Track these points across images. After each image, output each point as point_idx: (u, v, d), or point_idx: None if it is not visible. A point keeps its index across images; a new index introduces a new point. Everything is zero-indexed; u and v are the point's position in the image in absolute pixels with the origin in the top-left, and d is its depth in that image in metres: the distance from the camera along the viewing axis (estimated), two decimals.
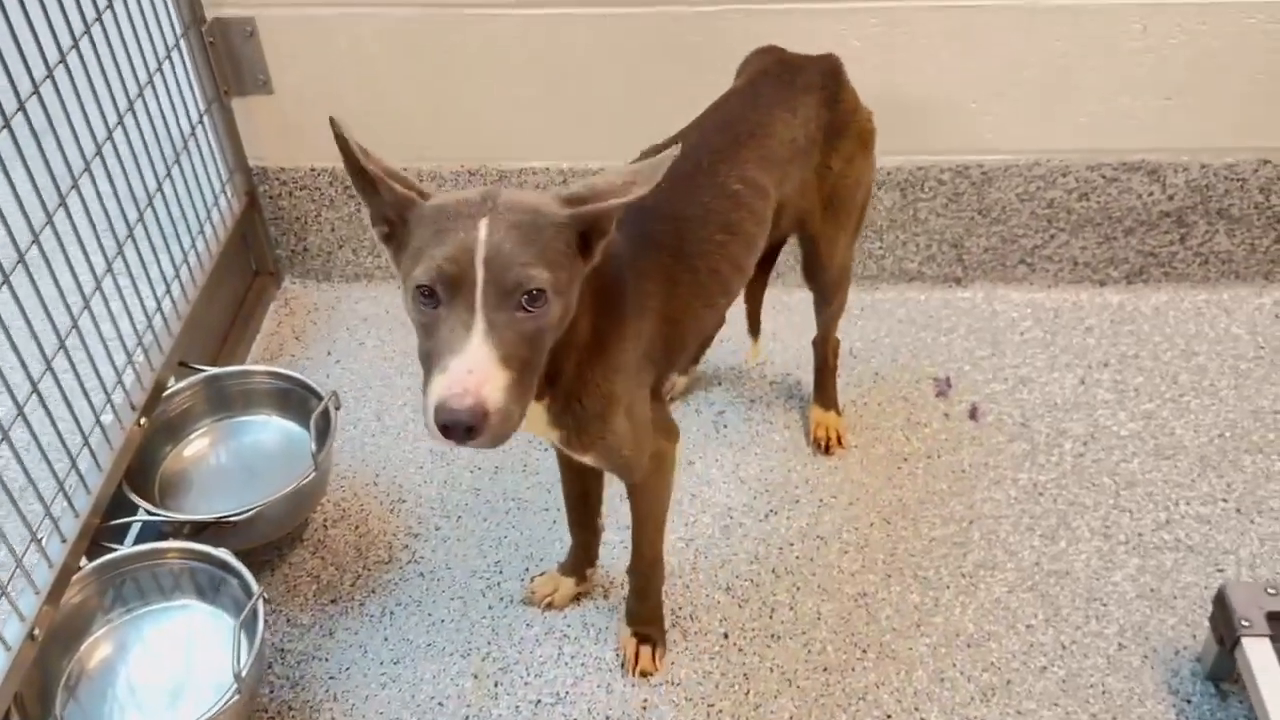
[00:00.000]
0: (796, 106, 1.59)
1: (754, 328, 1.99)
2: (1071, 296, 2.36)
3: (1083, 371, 2.19)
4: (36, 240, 1.51)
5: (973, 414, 2.10)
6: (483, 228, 1.09)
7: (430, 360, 1.11)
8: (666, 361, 1.49)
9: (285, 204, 2.34)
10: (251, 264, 2.37)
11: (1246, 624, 1.56)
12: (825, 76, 1.65)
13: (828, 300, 1.88)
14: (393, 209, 1.18)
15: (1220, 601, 1.61)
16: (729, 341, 2.25)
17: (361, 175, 1.17)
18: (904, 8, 2.02)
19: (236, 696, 1.45)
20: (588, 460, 1.43)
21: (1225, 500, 1.94)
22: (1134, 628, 1.75)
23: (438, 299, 1.10)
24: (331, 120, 1.14)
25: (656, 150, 1.46)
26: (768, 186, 1.53)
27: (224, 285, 2.21)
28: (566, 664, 1.74)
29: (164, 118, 1.95)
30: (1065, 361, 2.21)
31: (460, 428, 1.05)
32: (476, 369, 1.06)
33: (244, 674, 1.45)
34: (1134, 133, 2.15)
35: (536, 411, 1.32)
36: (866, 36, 2.05)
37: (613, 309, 1.32)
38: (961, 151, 2.19)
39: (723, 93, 1.64)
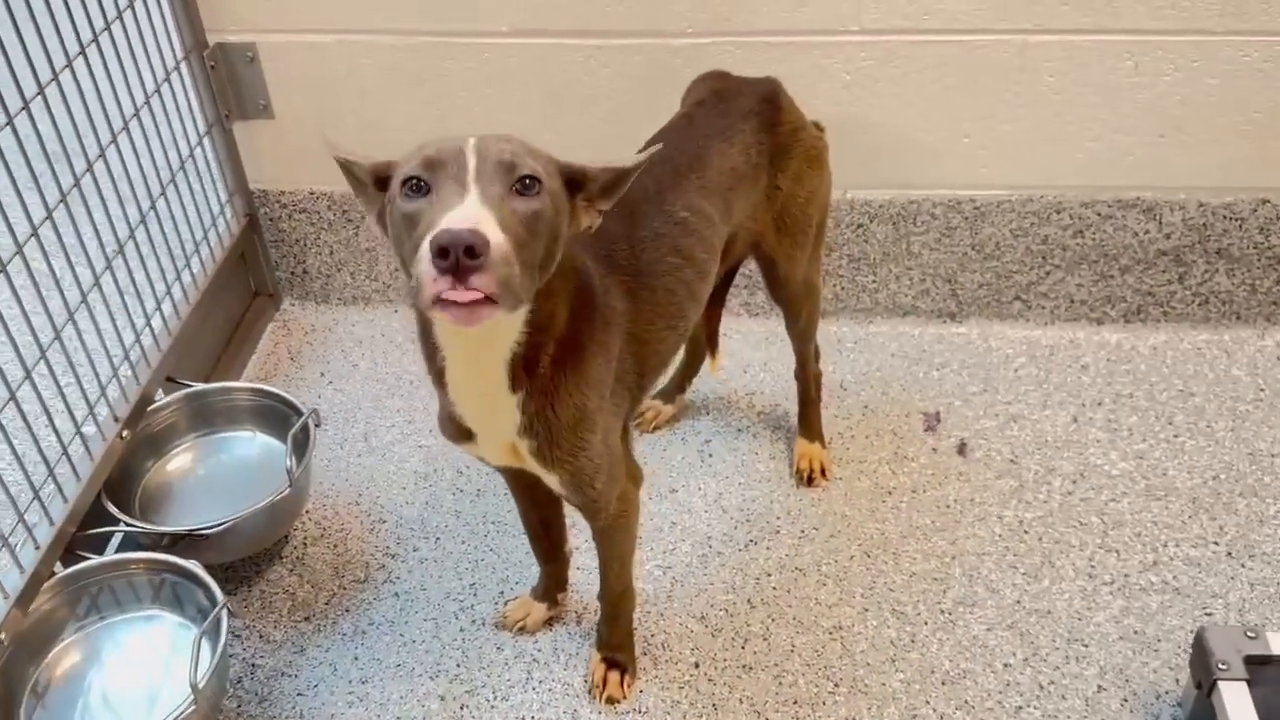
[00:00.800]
0: (733, 135, 1.60)
1: (712, 348, 1.98)
2: (1068, 334, 2.33)
3: (1076, 410, 2.16)
4: (20, 251, 1.54)
5: (961, 449, 2.08)
6: (472, 138, 1.10)
7: (419, 240, 1.04)
8: (639, 387, 1.49)
9: (285, 226, 2.38)
10: (251, 285, 2.41)
11: (1224, 667, 1.52)
12: (761, 101, 1.66)
13: (794, 315, 1.88)
14: (371, 179, 1.19)
15: (1199, 644, 1.57)
16: (719, 371, 2.25)
17: (347, 168, 1.21)
18: (897, 41, 2.02)
19: (193, 707, 1.45)
20: (554, 482, 1.41)
21: (1216, 543, 1.90)
22: (1115, 669, 1.71)
23: (425, 186, 1.08)
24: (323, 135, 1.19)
25: None
26: (713, 215, 1.54)
27: (220, 304, 2.24)
28: (534, 689, 1.73)
29: (162, 138, 1.99)
30: (1059, 399, 2.18)
31: (460, 246, 0.97)
32: (475, 213, 1.02)
33: (201, 685, 1.45)
34: (1129, 169, 2.14)
35: (510, 409, 1.30)
36: (859, 70, 2.06)
37: (586, 312, 1.32)
38: (955, 186, 2.19)
39: (663, 124, 1.65)
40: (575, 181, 1.21)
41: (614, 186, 1.23)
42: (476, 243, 0.98)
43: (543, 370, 1.29)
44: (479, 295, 1.01)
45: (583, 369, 1.33)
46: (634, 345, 1.44)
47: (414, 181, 1.09)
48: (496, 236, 1.02)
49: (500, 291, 1.02)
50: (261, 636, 1.81)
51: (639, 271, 1.44)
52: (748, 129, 1.62)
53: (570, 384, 1.32)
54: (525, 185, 1.09)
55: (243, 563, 1.91)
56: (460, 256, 0.98)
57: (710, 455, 2.11)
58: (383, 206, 1.20)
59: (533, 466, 1.39)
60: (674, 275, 1.48)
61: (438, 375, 1.33)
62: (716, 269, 1.60)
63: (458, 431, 1.40)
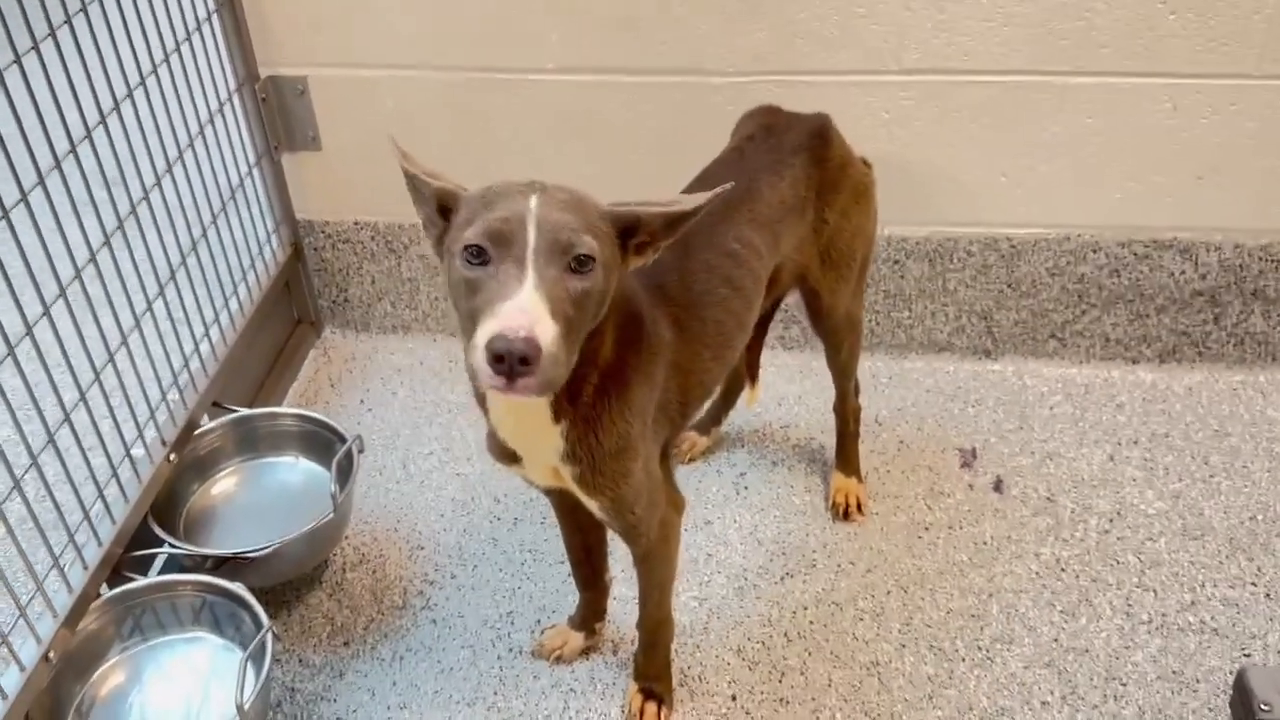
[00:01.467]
0: (783, 169, 1.63)
1: (752, 379, 2.00)
2: (1103, 374, 2.34)
3: (1111, 448, 2.16)
4: (78, 275, 1.58)
5: (997, 486, 2.08)
6: (534, 199, 1.14)
7: (477, 313, 1.12)
8: (681, 415, 1.51)
9: (329, 256, 2.42)
10: (294, 312, 2.44)
11: (1266, 708, 1.51)
12: (811, 136, 1.68)
13: (836, 348, 1.89)
14: (437, 202, 1.23)
15: (1240, 685, 1.56)
16: (755, 405, 2.26)
17: (412, 181, 1.25)
18: (936, 81, 2.05)
19: None
20: (596, 507, 1.43)
21: (1254, 584, 1.89)
22: (1153, 710, 1.70)
23: (487, 257, 1.12)
24: (390, 138, 1.26)
25: None
26: (761, 247, 1.56)
27: (265, 331, 2.27)
28: (572, 718, 1.73)
29: (213, 169, 2.03)
30: (1094, 438, 2.19)
31: (515, 356, 1.05)
32: (529, 308, 1.08)
33: (246, 706, 1.46)
34: (1166, 210, 2.15)
35: (553, 438, 1.33)
36: (898, 109, 2.08)
37: (632, 342, 1.35)
38: (991, 224, 2.21)
39: (716, 157, 1.68)
40: (628, 229, 1.24)
41: (671, 229, 1.25)
42: (530, 352, 1.05)
43: (586, 399, 1.31)
44: (527, 392, 1.09)
45: (627, 397, 1.35)
46: (679, 375, 1.47)
47: (475, 249, 1.13)
48: (548, 335, 1.08)
49: (546, 387, 1.10)
50: (301, 661, 1.82)
51: (690, 303, 1.47)
52: (797, 163, 1.65)
53: (614, 412, 1.34)
54: (580, 263, 1.14)
55: (283, 587, 1.93)
56: (514, 363, 1.06)
57: (746, 488, 2.12)
58: (441, 234, 1.24)
59: (575, 490, 1.42)
60: (723, 306, 1.50)
61: (481, 400, 1.35)
62: (762, 300, 1.62)
63: (504, 453, 1.42)
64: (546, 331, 1.08)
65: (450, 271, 1.19)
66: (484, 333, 1.08)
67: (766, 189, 1.59)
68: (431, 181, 1.23)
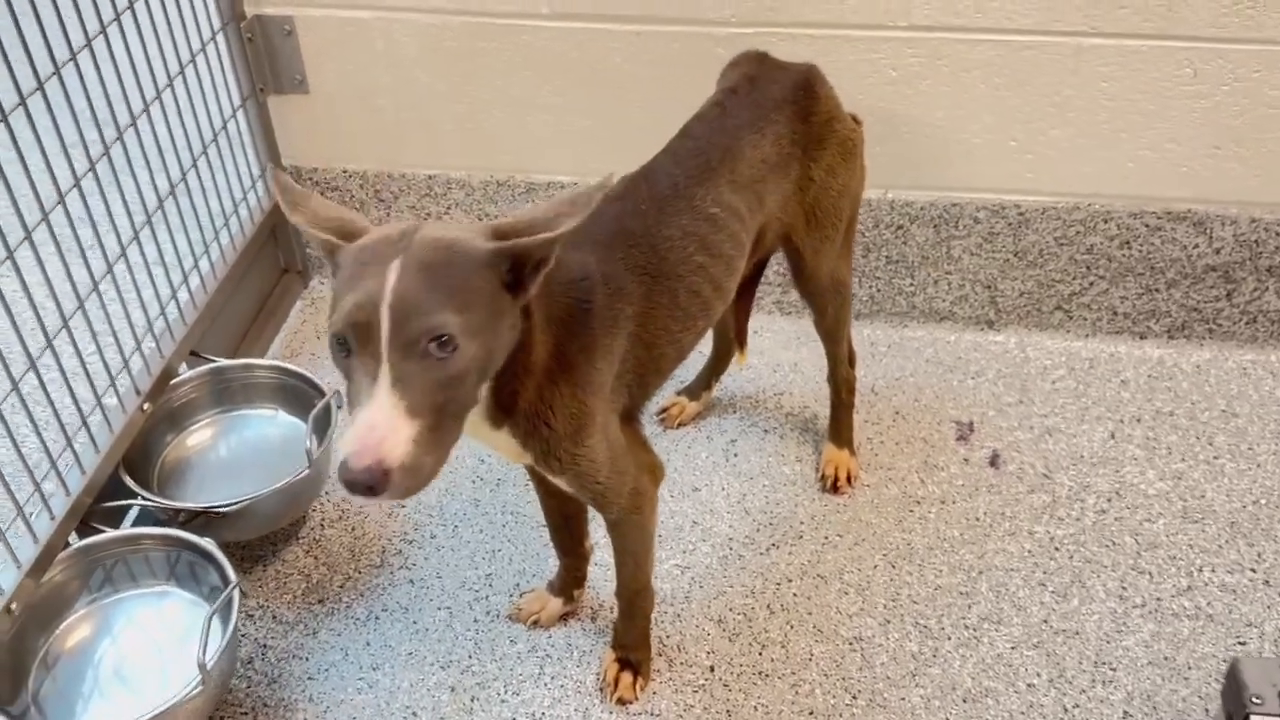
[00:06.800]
0: (764, 125, 1.56)
1: (740, 342, 1.94)
2: (1108, 348, 2.27)
3: (1114, 426, 2.10)
4: (46, 218, 1.52)
5: (993, 461, 2.03)
6: (392, 272, 1.06)
7: (350, 404, 1.10)
8: (640, 386, 1.46)
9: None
10: (280, 261, 2.39)
11: (1258, 700, 1.47)
12: (796, 89, 1.61)
13: (820, 312, 1.82)
14: (325, 255, 1.17)
15: (1232, 675, 1.51)
16: (748, 370, 2.21)
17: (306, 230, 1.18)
18: (946, 39, 1.97)
19: (200, 687, 1.43)
20: (562, 484, 1.40)
21: (1253, 570, 1.84)
22: (1143, 695, 1.66)
23: (349, 348, 1.08)
24: (275, 170, 1.21)
25: (626, 183, 1.47)
26: (742, 209, 1.50)
27: (249, 280, 2.22)
28: (546, 684, 1.70)
29: (194, 111, 1.97)
30: (1096, 414, 2.13)
31: (360, 486, 1.03)
32: (379, 424, 1.04)
33: (209, 665, 1.43)
34: (1180, 181, 2.07)
35: (500, 437, 1.31)
36: (906, 67, 2.00)
37: (580, 330, 1.29)
38: (999, 190, 2.13)
39: (696, 111, 1.61)
40: (519, 260, 1.14)
41: (546, 260, 1.16)
42: (374, 481, 1.03)
43: (525, 404, 1.27)
44: (393, 500, 1.08)
45: (576, 378, 1.30)
46: (641, 348, 1.41)
47: (340, 339, 1.09)
48: (398, 450, 1.04)
49: (408, 494, 1.07)
50: (274, 617, 1.79)
51: (662, 273, 1.41)
52: (781, 119, 1.58)
53: (564, 396, 1.30)
54: (440, 345, 1.07)
55: (259, 542, 1.89)
56: (364, 491, 1.04)
57: (735, 455, 2.07)
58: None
59: (539, 469, 1.39)
60: (700, 274, 1.45)
61: None
62: (744, 264, 1.56)
63: None
64: (397, 446, 1.03)
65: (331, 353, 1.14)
66: (339, 453, 1.05)
67: (748, 148, 1.53)
68: (317, 233, 1.16)
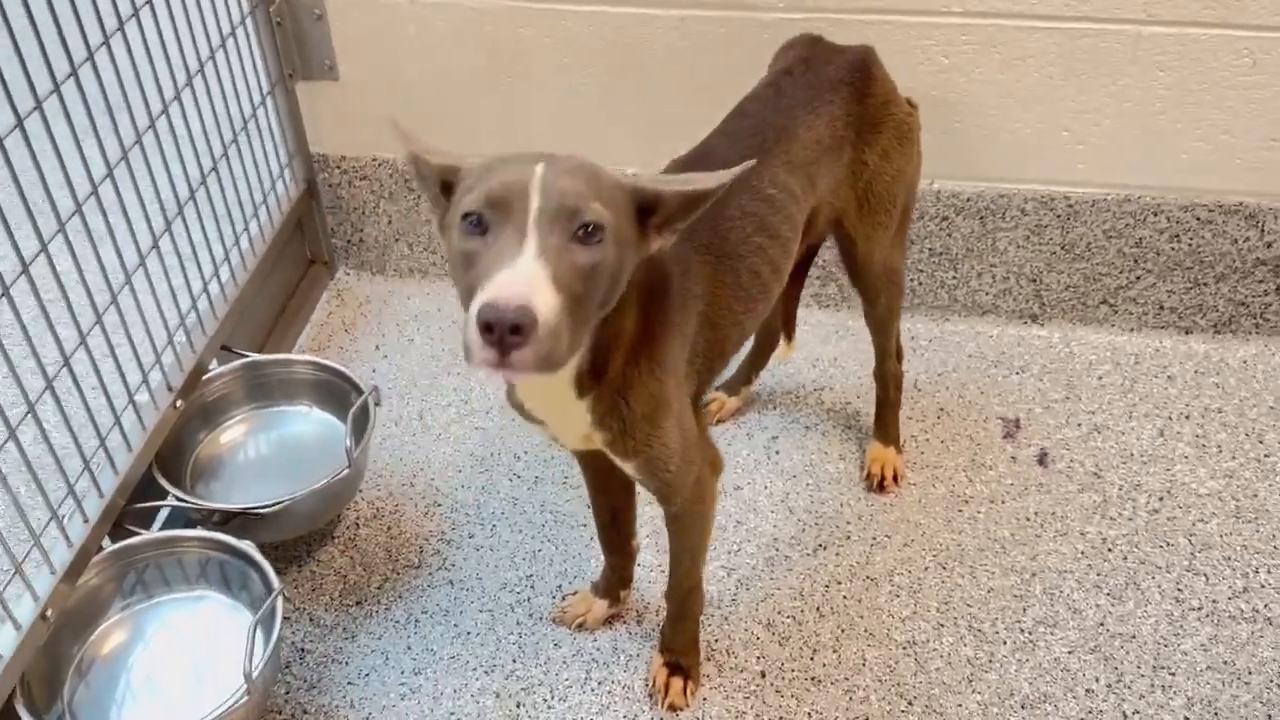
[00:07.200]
0: (819, 105, 1.52)
1: (788, 332, 1.91)
2: (1154, 343, 2.23)
3: (1162, 423, 2.06)
4: (79, 211, 1.46)
5: (1042, 459, 1.98)
6: (539, 166, 1.04)
7: (473, 288, 1.01)
8: (708, 370, 1.43)
9: (344, 193, 2.30)
10: (306, 252, 2.33)
11: None
12: (852, 70, 1.57)
13: (872, 302, 1.78)
14: (439, 180, 1.14)
15: None
16: (788, 364, 2.16)
17: (414, 163, 1.15)
18: (1001, 26, 1.91)
19: (246, 697, 1.38)
20: (630, 470, 1.35)
21: None
22: (1203, 701, 1.62)
23: (485, 225, 1.03)
24: (392, 122, 1.16)
25: (680, 164, 1.43)
26: (798, 191, 1.47)
27: (276, 271, 2.16)
28: (593, 690, 1.65)
29: (225, 98, 1.90)
30: (1144, 411, 2.08)
31: (505, 326, 0.94)
32: (526, 278, 0.97)
33: (255, 675, 1.38)
34: (1235, 174, 2.02)
35: (580, 410, 1.25)
36: (958, 54, 1.95)
37: (659, 306, 1.26)
38: (1048, 182, 2.08)
39: (748, 92, 1.57)
40: (647, 207, 1.13)
41: (691, 208, 1.15)
42: (523, 321, 0.95)
43: (614, 374, 1.23)
44: (523, 370, 0.98)
45: (657, 356, 1.27)
46: (709, 329, 1.38)
47: (474, 218, 1.03)
48: (546, 305, 0.97)
49: (544, 364, 0.99)
50: (312, 619, 1.74)
51: (725, 253, 1.38)
52: (836, 100, 1.54)
53: (644, 374, 1.26)
54: (588, 233, 1.03)
55: (293, 541, 1.84)
56: (505, 334, 0.95)
57: (777, 452, 2.02)
58: (445, 212, 1.14)
59: (608, 453, 1.34)
60: (759, 255, 1.41)
61: None
62: (798, 246, 1.52)
63: (529, 413, 1.33)
64: (545, 301, 0.97)
65: (449, 246, 1.09)
66: (476, 303, 0.97)
67: (803, 129, 1.49)
68: (432, 159, 1.13)
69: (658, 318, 1.26)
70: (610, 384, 1.24)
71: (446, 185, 1.14)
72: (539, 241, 1.00)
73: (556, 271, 0.99)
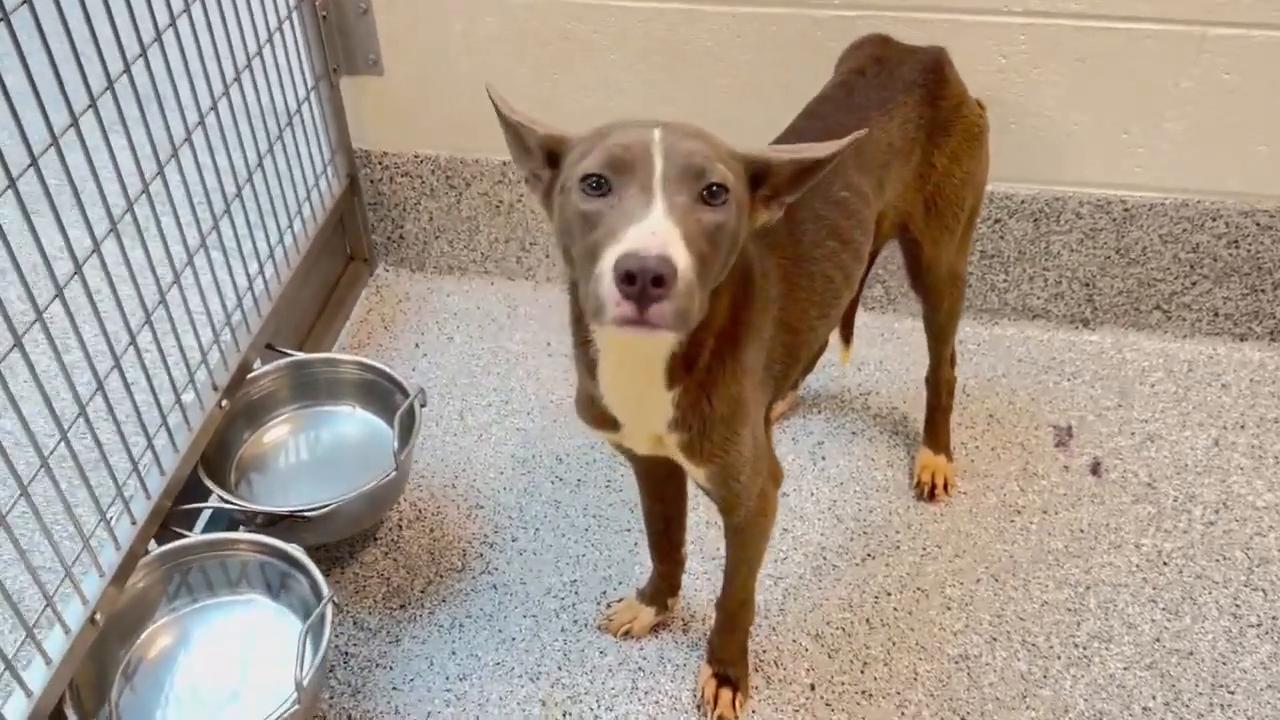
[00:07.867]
0: (892, 107, 1.49)
1: (846, 336, 1.89)
2: (1208, 350, 2.18)
3: (1217, 432, 2.02)
4: (131, 209, 1.45)
5: (1095, 469, 1.95)
6: (657, 130, 1.03)
7: (598, 246, 0.98)
8: (783, 376, 1.40)
9: (385, 189, 2.27)
10: (346, 248, 2.31)
11: None
12: (925, 72, 1.53)
13: (935, 307, 1.75)
14: (545, 151, 1.12)
15: None
16: (832, 368, 2.13)
17: (515, 131, 1.13)
18: (1061, 25, 1.87)
19: (296, 706, 1.36)
20: (700, 477, 1.32)
21: None
22: None
23: (607, 187, 1.01)
24: (487, 87, 1.15)
25: None
26: (869, 193, 1.44)
27: (317, 268, 2.14)
28: (640, 700, 1.63)
29: (270, 92, 1.88)
30: (1198, 420, 2.04)
31: (649, 275, 0.92)
32: (662, 231, 0.95)
33: (305, 683, 1.37)
34: None
35: (664, 404, 1.22)
36: (1017, 53, 1.91)
37: (744, 304, 1.23)
38: (1105, 185, 2.04)
39: (818, 93, 1.54)
40: (757, 175, 1.11)
41: (801, 180, 1.13)
42: (665, 272, 0.93)
43: (702, 365, 1.20)
44: (660, 324, 0.95)
45: (739, 357, 1.24)
46: (785, 334, 1.35)
47: (595, 179, 1.01)
48: (683, 261, 0.95)
49: (680, 321, 0.97)
50: (356, 623, 1.73)
51: (799, 256, 1.35)
52: (909, 101, 1.51)
53: (728, 374, 1.23)
54: (713, 194, 1.01)
55: (336, 543, 1.83)
56: (647, 285, 0.92)
57: (823, 459, 1.99)
58: (549, 184, 1.12)
59: (678, 458, 1.31)
60: (832, 260, 1.38)
61: (589, 366, 1.23)
62: (869, 250, 1.49)
63: (600, 419, 1.31)
64: (681, 254, 0.95)
65: (564, 210, 1.06)
66: (611, 254, 0.95)
67: (875, 130, 1.45)
68: (537, 129, 1.11)
69: (743, 316, 1.24)
70: (697, 377, 1.21)
71: (551, 155, 1.12)
72: (667, 201, 0.98)
73: (686, 231, 0.98)
